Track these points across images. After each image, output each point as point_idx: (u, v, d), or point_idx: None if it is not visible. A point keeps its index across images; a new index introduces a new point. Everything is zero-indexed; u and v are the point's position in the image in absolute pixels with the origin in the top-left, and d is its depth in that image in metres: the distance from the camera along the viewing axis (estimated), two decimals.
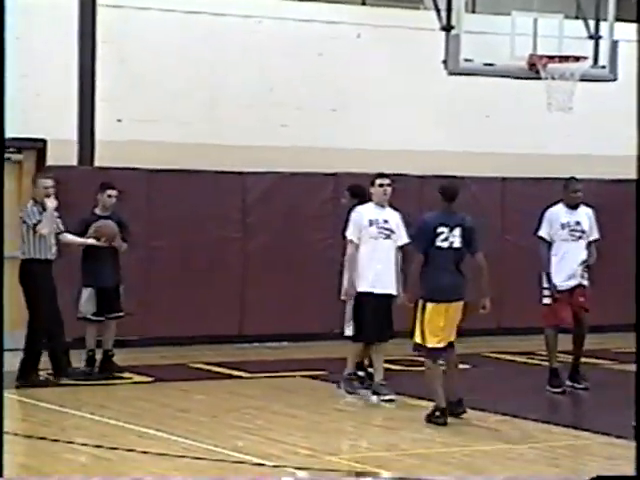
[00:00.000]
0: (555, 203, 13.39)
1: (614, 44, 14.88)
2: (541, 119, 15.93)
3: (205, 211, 15.40)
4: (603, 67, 14.93)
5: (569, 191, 13.26)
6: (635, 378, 5.05)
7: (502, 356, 15.66)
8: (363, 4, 17.18)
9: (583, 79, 14.74)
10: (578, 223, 13.17)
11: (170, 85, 15.74)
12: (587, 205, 13.32)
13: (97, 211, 13.39)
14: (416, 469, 9.67)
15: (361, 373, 12.89)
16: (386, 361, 14.28)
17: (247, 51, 16.16)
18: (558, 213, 13.28)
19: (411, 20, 16.43)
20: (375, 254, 12.37)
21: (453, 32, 14.49)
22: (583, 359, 13.49)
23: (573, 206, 13.22)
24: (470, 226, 11.45)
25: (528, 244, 16.32)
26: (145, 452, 9.90)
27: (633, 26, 16.61)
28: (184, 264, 15.39)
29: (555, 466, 10.07)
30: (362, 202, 12.65)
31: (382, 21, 16.69)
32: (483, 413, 11.89)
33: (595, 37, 15.03)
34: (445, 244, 11.24)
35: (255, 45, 16.19)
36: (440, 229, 11.26)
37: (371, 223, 12.34)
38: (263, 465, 9.61)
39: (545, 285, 13.15)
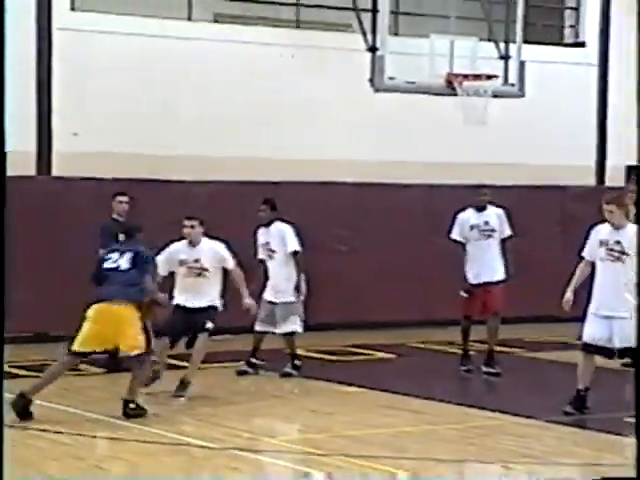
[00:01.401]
0: (465, 208, 13.49)
1: (522, 64, 15.04)
2: (459, 131, 16.04)
3: (152, 217, 15.32)
4: (512, 85, 15.07)
5: (476, 195, 13.39)
6: (635, 378, 4.99)
7: (426, 346, 15.74)
8: (297, 27, 17.21)
9: (495, 95, 14.88)
10: (487, 223, 13.25)
11: (121, 101, 15.69)
12: (498, 206, 13.43)
13: (114, 216, 13.40)
14: (346, 449, 9.71)
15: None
16: (320, 351, 14.38)
17: (190, 70, 16.12)
18: (467, 216, 13.39)
19: (340, 42, 16.48)
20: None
21: (378, 53, 14.59)
22: (499, 347, 13.62)
23: (481, 208, 13.32)
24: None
25: (451, 245, 16.56)
26: (97, 437, 9.91)
27: (539, 47, 16.85)
28: None
29: (471, 444, 10.16)
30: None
31: (314, 43, 16.73)
32: (408, 397, 11.97)
33: (505, 58, 15.16)
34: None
35: (198, 64, 16.17)
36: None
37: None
38: (208, 448, 9.63)
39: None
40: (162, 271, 11.70)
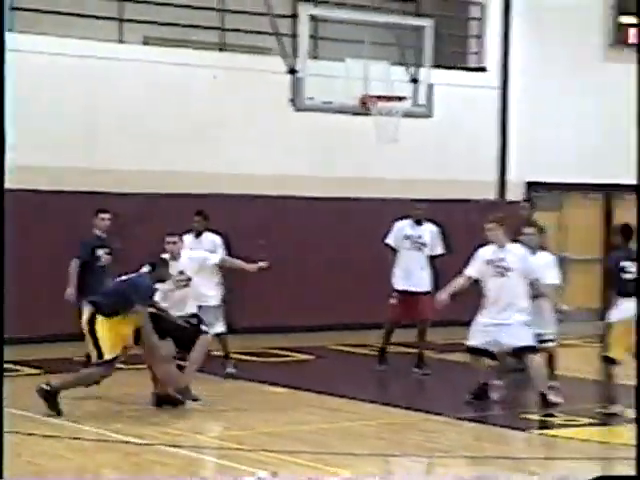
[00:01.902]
0: (403, 218, 13.65)
1: (430, 87, 15.13)
2: (372, 148, 16.10)
3: (76, 229, 15.14)
4: (421, 106, 15.17)
5: (413, 209, 13.60)
6: (635, 377, 5.07)
7: (343, 348, 15.79)
8: (221, 50, 17.18)
9: (405, 115, 14.99)
10: (420, 236, 13.48)
11: (55, 118, 15.53)
12: (435, 223, 13.58)
13: (96, 232, 13.29)
14: (268, 445, 9.73)
15: None
16: (243, 353, 14.36)
17: (119, 87, 16.02)
18: (403, 226, 13.57)
19: (262, 64, 16.48)
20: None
21: (298, 75, 14.60)
22: (411, 349, 13.72)
23: (418, 221, 13.50)
24: None
25: (364, 255, 16.69)
26: (32, 434, 9.81)
27: (445, 72, 17.00)
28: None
29: (382, 439, 10.24)
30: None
31: (237, 65, 16.72)
32: (326, 396, 12.01)
33: (415, 81, 15.26)
34: None
35: (126, 82, 16.07)
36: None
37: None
38: (138, 444, 9.58)
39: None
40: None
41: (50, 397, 10.64)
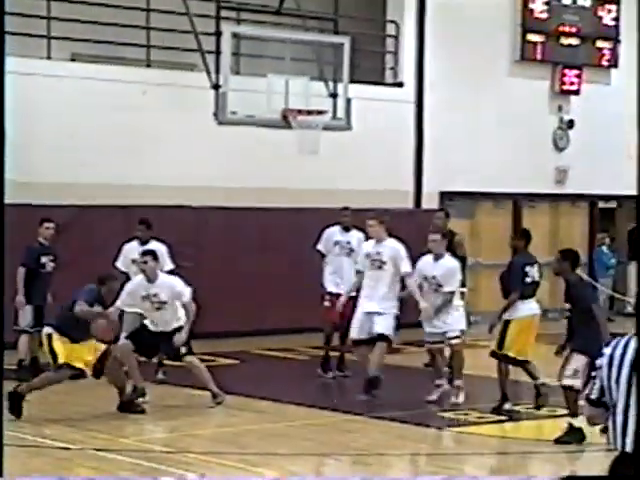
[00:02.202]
0: (333, 224, 13.66)
1: (348, 101, 15.22)
2: (293, 160, 16.14)
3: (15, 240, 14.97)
4: (340, 119, 15.24)
5: (340, 216, 13.66)
6: (635, 376, 5.15)
7: (266, 352, 15.75)
8: (148, 66, 17.08)
9: (325, 128, 15.04)
10: (349, 242, 13.48)
11: None
12: (360, 230, 13.55)
13: (40, 240, 13.37)
14: (194, 446, 9.69)
15: None
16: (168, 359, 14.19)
17: (48, 103, 15.85)
18: (333, 232, 13.60)
19: (187, 80, 16.44)
20: None
21: (221, 90, 14.60)
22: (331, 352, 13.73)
23: (347, 228, 13.57)
24: None
25: (284, 261, 16.71)
26: None
27: (363, 87, 17.08)
28: None
29: (307, 440, 10.23)
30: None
31: (164, 80, 16.63)
32: (251, 399, 11.98)
33: (334, 95, 15.33)
34: None
35: (59, 99, 15.92)
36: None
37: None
38: (68, 449, 9.47)
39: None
40: (127, 308, 11.65)
41: (15, 399, 10.65)
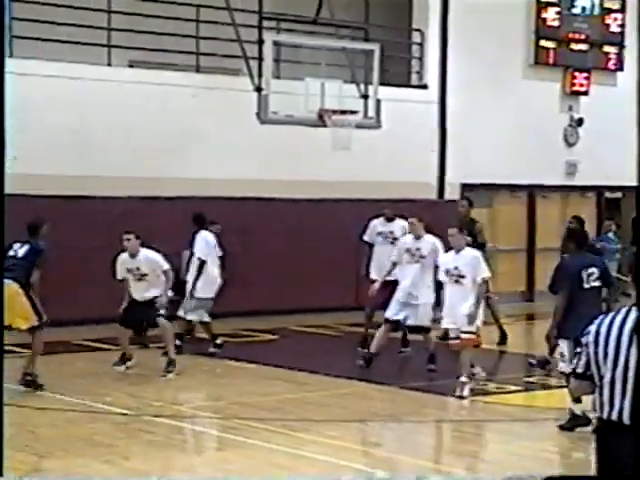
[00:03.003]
0: (378, 216, 13.55)
1: (378, 102, 15.14)
2: (328, 155, 16.05)
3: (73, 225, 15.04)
4: (371, 118, 15.16)
5: (383, 208, 13.53)
6: (635, 375, 5.14)
7: (303, 329, 15.73)
8: (197, 72, 17.06)
9: (357, 127, 14.98)
10: (392, 232, 13.27)
11: (53, 132, 15.36)
12: (405, 218, 13.15)
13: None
14: (240, 413, 9.68)
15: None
16: (220, 335, 14.24)
17: (108, 106, 15.86)
18: (376, 224, 13.48)
19: (232, 84, 16.39)
20: None
21: (263, 92, 14.56)
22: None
23: (390, 219, 13.39)
24: None
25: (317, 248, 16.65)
26: (30, 407, 9.69)
27: (391, 89, 16.97)
28: None
29: (341, 407, 10.20)
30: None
31: (212, 84, 16.62)
32: (289, 370, 11.95)
33: (365, 97, 15.25)
34: None
35: (119, 102, 15.93)
36: None
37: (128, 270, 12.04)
38: (126, 415, 9.48)
39: None
40: (119, 276, 11.79)
41: (32, 382, 10.46)
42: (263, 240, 16.76)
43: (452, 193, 18.85)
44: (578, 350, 4.79)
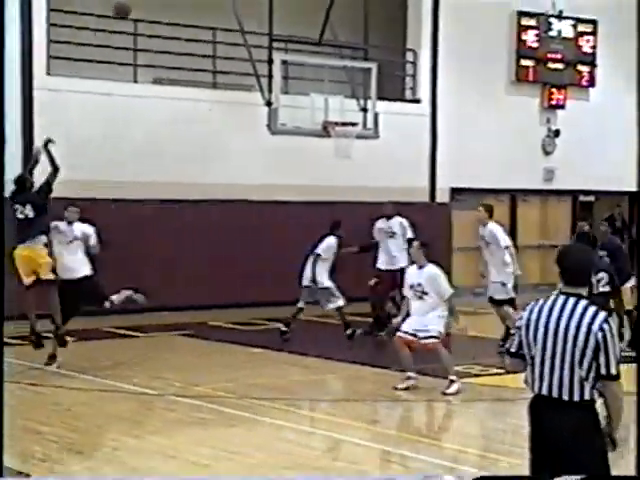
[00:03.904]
0: (379, 217, 13.63)
1: (376, 115, 15.14)
2: (331, 162, 16.02)
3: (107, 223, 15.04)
4: (369, 129, 15.15)
5: (382, 208, 13.61)
6: (636, 374, 5.23)
7: (312, 318, 15.67)
8: (214, 88, 17.06)
9: (357, 137, 14.97)
10: (390, 227, 13.40)
11: (86, 141, 15.36)
12: (402, 216, 13.51)
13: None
14: (252, 393, 9.67)
15: None
16: (230, 322, 14.21)
17: (135, 118, 15.88)
18: (377, 223, 13.54)
19: (245, 98, 16.38)
20: None
21: (273, 106, 14.58)
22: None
23: (388, 217, 13.48)
24: None
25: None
26: (65, 387, 9.71)
27: (388, 103, 16.95)
28: None
29: (343, 388, 10.17)
30: None
31: (226, 99, 16.61)
32: (297, 355, 11.93)
33: (364, 110, 15.24)
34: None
35: (144, 115, 15.94)
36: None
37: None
38: (150, 395, 9.48)
39: None
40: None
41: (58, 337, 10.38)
42: (272, 238, 16.75)
43: (443, 197, 18.85)
44: (513, 332, 4.91)
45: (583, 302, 4.61)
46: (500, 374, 10.90)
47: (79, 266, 10.77)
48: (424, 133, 18.82)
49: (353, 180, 17.36)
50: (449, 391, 9.90)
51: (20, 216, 10.17)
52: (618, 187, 21.16)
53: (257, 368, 11.18)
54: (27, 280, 10.11)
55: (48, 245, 10.47)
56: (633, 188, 21.68)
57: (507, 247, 12.32)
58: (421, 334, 9.86)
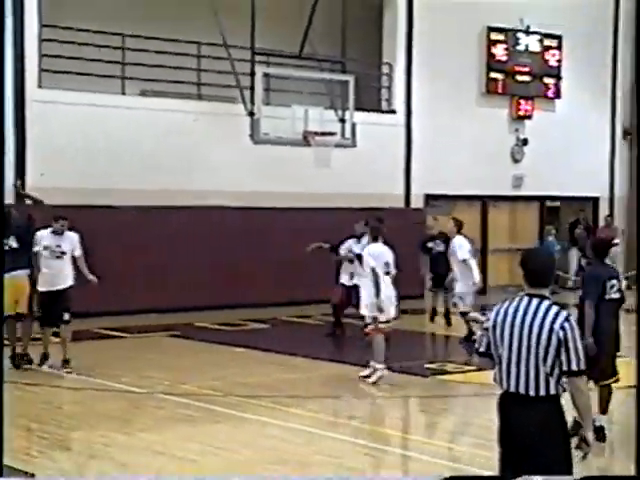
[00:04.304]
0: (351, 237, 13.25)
1: (353, 125, 15.20)
2: (311, 170, 16.05)
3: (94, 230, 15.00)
4: (347, 139, 15.20)
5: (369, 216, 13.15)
6: (636, 374, 5.24)
7: (291, 319, 15.72)
8: (199, 99, 17.04)
9: (336, 146, 15.01)
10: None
11: (75, 151, 15.32)
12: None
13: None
14: (237, 391, 9.67)
15: None
16: (216, 323, 14.16)
17: (127, 129, 15.85)
18: (351, 244, 12.77)
19: (229, 109, 16.37)
20: None
21: (255, 117, 14.59)
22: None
23: (358, 237, 12.66)
24: None
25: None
26: (57, 387, 9.67)
27: (365, 114, 17.00)
28: None
29: (324, 385, 10.20)
30: None
31: (211, 110, 16.61)
32: (279, 354, 11.91)
33: (342, 121, 15.28)
34: None
35: (131, 125, 15.91)
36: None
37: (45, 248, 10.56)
38: (139, 393, 9.45)
39: None
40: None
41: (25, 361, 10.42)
42: (255, 242, 16.75)
43: (417, 202, 18.93)
44: (480, 333, 4.92)
45: (546, 302, 4.65)
46: (471, 371, 10.96)
47: (64, 279, 10.57)
48: (399, 142, 18.89)
49: (332, 187, 17.39)
50: (372, 380, 10.01)
51: (5, 247, 10.02)
52: (582, 193, 21.37)
53: (242, 367, 11.17)
54: (8, 312, 10.06)
55: (34, 262, 10.48)
56: (596, 194, 21.96)
57: (464, 260, 12.34)
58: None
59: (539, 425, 4.55)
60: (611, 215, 21.38)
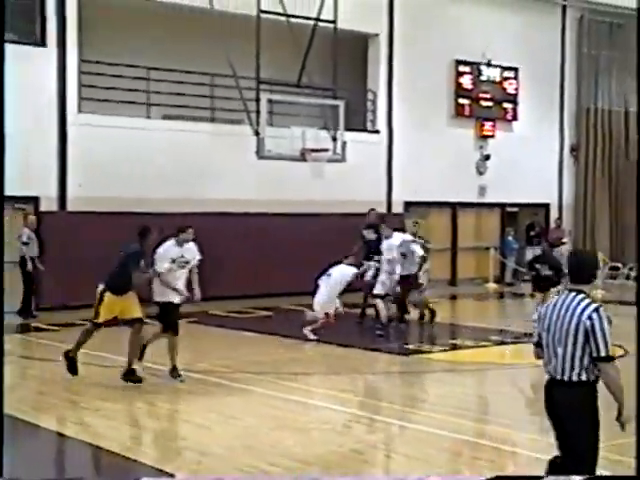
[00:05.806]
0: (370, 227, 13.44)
1: (344, 143, 15.13)
2: (307, 181, 15.99)
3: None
4: (338, 154, 15.16)
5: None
6: (636, 374, 5.26)
7: (294, 307, 15.63)
8: (212, 121, 17.00)
9: (329, 161, 14.97)
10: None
11: (109, 165, 15.27)
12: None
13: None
14: (247, 369, 9.63)
15: None
16: (227, 311, 14.08)
17: (149, 148, 15.79)
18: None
19: (237, 130, 16.25)
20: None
21: (260, 136, 14.53)
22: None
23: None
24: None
25: (313, 249, 16.49)
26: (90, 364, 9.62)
27: (353, 133, 16.94)
28: None
29: (322, 364, 10.15)
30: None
31: (222, 131, 16.57)
32: (285, 338, 11.74)
33: (334, 139, 15.22)
34: None
35: (154, 145, 15.85)
36: None
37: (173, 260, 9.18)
38: (162, 370, 9.38)
39: None
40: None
41: (69, 360, 8.83)
42: (259, 242, 16.72)
43: (397, 208, 18.92)
44: (535, 325, 4.84)
45: (580, 296, 4.56)
46: (443, 350, 10.95)
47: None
48: (382, 157, 18.89)
49: (325, 195, 17.38)
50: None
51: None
52: (536, 200, 21.43)
53: (250, 348, 11.13)
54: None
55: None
56: (547, 200, 21.98)
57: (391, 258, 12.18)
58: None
59: (570, 408, 4.50)
60: (560, 218, 21.46)
